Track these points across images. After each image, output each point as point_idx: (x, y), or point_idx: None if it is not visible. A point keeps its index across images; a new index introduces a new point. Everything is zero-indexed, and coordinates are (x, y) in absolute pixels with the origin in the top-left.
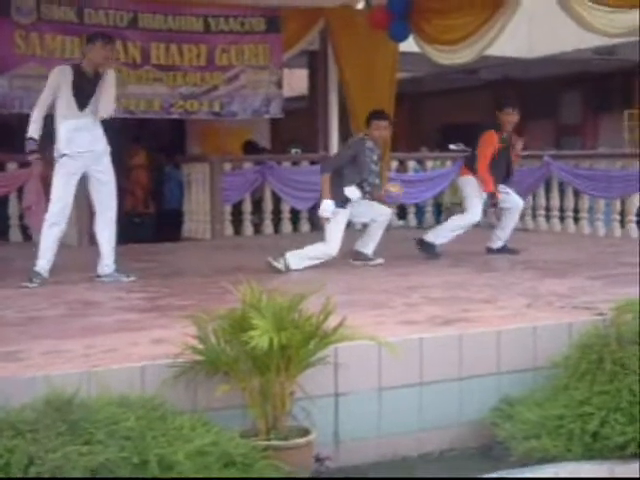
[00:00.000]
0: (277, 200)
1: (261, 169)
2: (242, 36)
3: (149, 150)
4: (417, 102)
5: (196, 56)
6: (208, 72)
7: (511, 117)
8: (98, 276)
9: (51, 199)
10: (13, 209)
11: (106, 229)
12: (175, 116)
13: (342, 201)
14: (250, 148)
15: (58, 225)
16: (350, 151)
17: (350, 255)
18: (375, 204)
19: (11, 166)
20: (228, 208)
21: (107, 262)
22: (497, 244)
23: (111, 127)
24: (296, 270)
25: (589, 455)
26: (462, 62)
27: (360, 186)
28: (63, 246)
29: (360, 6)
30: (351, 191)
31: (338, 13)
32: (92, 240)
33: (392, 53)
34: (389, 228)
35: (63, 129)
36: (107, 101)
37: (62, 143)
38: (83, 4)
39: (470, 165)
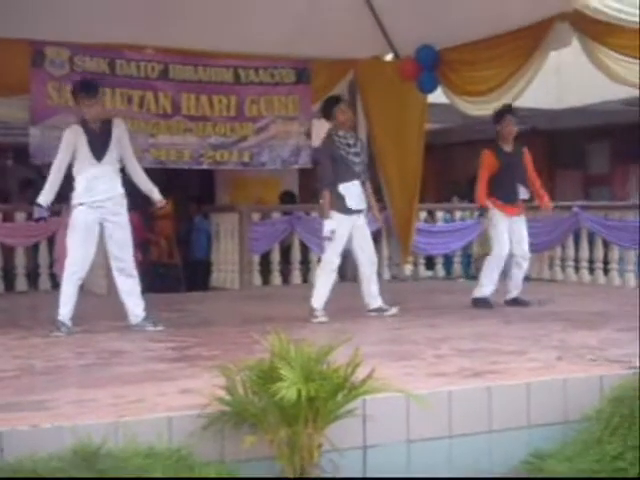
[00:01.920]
0: (305, 249)
1: (289, 219)
2: (272, 87)
3: (179, 200)
4: (446, 153)
5: (226, 107)
6: (238, 122)
7: (509, 128)
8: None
9: (69, 248)
10: (43, 258)
11: (126, 283)
12: (205, 166)
13: (343, 208)
14: (288, 198)
15: (77, 274)
16: (325, 153)
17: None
18: (369, 246)
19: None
20: (257, 258)
21: (136, 312)
22: (508, 295)
23: (155, 176)
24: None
25: None
26: (490, 113)
27: (352, 181)
28: (92, 295)
29: (389, 57)
30: (346, 187)
31: (367, 64)
32: None
33: (421, 104)
34: (417, 278)
35: (82, 178)
36: (130, 155)
37: (80, 192)
38: (115, 56)
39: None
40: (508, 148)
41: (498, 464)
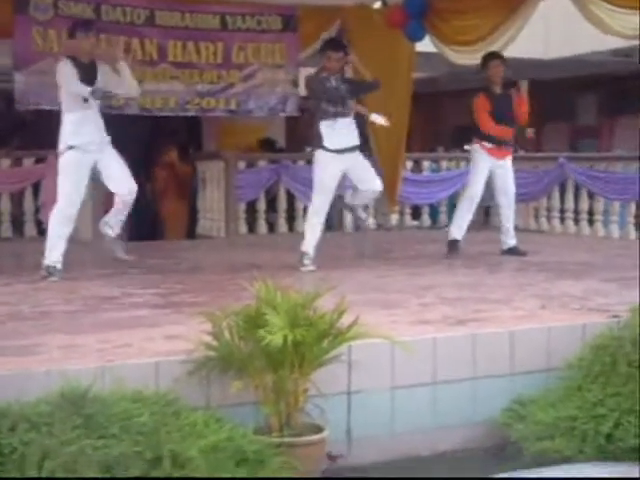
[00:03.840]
0: (291, 198)
1: (276, 167)
2: (259, 34)
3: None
4: (433, 102)
5: (213, 54)
6: (224, 70)
7: (497, 69)
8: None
9: (59, 193)
10: (28, 204)
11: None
12: (191, 113)
13: (330, 146)
14: (267, 146)
15: (66, 212)
16: (317, 83)
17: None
18: (372, 173)
19: (27, 161)
20: (242, 206)
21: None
22: (504, 245)
23: (143, 123)
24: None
25: (602, 457)
26: (478, 62)
27: (334, 115)
28: (78, 242)
29: (377, 5)
30: (327, 125)
31: (355, 12)
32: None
33: (408, 53)
34: (403, 228)
35: (68, 121)
36: (123, 82)
37: (68, 134)
38: (100, 1)
39: (475, 136)
40: (497, 90)
41: (481, 411)
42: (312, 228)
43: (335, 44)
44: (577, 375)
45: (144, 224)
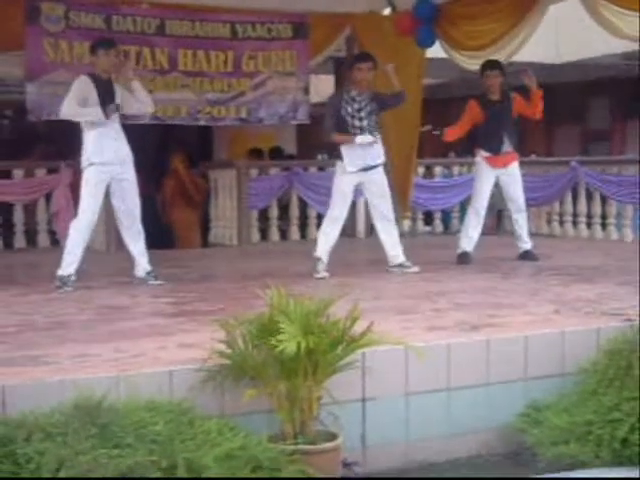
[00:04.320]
0: (303, 205)
1: (288, 175)
2: (269, 42)
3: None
4: (444, 108)
5: (223, 62)
6: (235, 78)
7: (491, 79)
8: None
9: (80, 207)
10: (41, 215)
11: (137, 241)
12: (202, 122)
13: (348, 167)
14: (277, 154)
15: (84, 233)
16: (330, 108)
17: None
18: (386, 192)
19: (39, 172)
20: (255, 214)
21: (142, 265)
22: (520, 250)
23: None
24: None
25: (618, 461)
26: None
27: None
28: (92, 251)
29: (387, 12)
30: (346, 147)
31: (365, 19)
32: (120, 245)
33: (419, 59)
34: (415, 234)
35: (91, 138)
36: (138, 99)
37: (90, 152)
38: (111, 11)
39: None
40: (495, 97)
41: (496, 416)
42: (326, 236)
43: (364, 56)
44: (592, 380)
45: (154, 234)
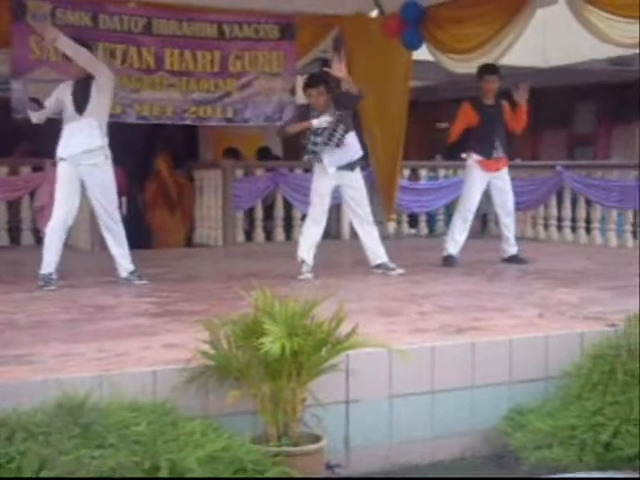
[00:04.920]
0: (289, 206)
1: (273, 176)
2: (256, 43)
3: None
4: (430, 110)
5: (210, 62)
6: (221, 78)
7: (490, 84)
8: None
9: (55, 204)
10: (26, 213)
11: (116, 242)
12: (188, 122)
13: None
14: (264, 155)
15: (59, 231)
16: (298, 117)
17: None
18: (364, 196)
19: (24, 170)
20: (240, 214)
21: (124, 266)
22: (505, 253)
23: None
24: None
25: (601, 466)
26: (474, 71)
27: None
28: (76, 251)
29: (374, 14)
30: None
31: (352, 21)
32: (104, 245)
33: (405, 61)
34: (400, 236)
35: (63, 133)
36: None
37: (60, 146)
38: (98, 9)
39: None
40: (489, 102)
41: (479, 420)
42: (306, 239)
43: (312, 81)
44: (575, 384)
45: (135, 234)
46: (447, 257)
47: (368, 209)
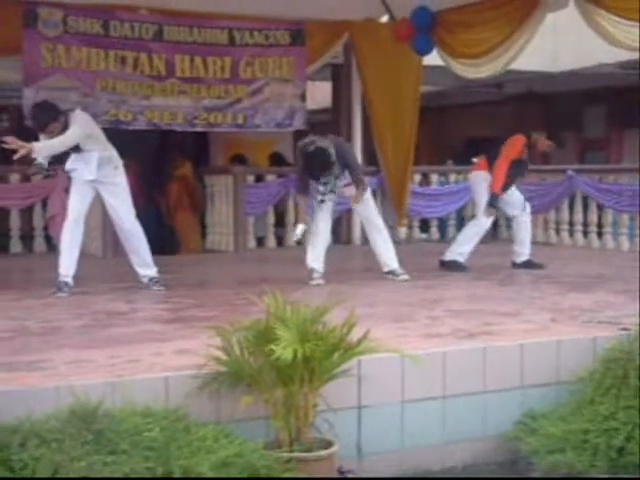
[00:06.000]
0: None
1: (284, 181)
2: (266, 49)
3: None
4: (441, 115)
5: (220, 69)
6: (232, 85)
7: (546, 147)
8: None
9: (68, 208)
10: (38, 220)
11: (132, 251)
12: (198, 128)
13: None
14: (277, 160)
15: (74, 230)
16: (300, 162)
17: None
18: (371, 205)
19: (36, 177)
20: (251, 220)
21: (141, 274)
22: (520, 258)
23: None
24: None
25: (614, 470)
26: (486, 76)
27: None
28: (88, 257)
29: (384, 19)
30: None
31: (362, 26)
32: (117, 251)
33: (416, 67)
34: (411, 241)
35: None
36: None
37: (69, 161)
38: (109, 17)
39: (489, 160)
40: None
41: (492, 425)
42: (313, 248)
43: None
44: (588, 388)
45: (159, 239)
46: (450, 262)
47: (379, 216)
